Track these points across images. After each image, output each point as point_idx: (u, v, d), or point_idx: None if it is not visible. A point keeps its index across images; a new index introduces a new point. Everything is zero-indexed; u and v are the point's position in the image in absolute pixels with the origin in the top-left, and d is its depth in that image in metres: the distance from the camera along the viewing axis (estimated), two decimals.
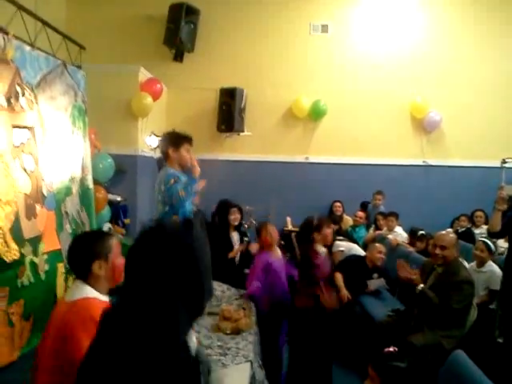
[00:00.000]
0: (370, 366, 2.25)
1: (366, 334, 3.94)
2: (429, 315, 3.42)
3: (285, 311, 3.69)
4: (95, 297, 2.02)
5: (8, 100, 2.91)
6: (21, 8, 3.07)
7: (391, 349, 2.28)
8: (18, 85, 3.03)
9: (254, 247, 4.43)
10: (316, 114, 7.49)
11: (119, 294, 1.25)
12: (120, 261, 2.11)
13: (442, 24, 7.56)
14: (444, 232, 3.66)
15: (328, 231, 3.93)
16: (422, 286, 3.47)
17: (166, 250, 1.18)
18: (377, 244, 5.00)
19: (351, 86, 7.53)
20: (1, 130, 2.81)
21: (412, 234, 5.98)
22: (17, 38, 2.97)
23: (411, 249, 5.57)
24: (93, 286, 2.05)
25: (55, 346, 1.92)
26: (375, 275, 4.67)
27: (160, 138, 5.30)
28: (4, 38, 2.80)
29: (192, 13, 7.20)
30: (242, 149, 7.53)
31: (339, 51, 7.61)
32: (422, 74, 7.49)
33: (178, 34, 6.99)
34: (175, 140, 3.63)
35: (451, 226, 6.27)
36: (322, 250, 3.80)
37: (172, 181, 3.38)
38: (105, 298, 2.08)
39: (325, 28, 7.63)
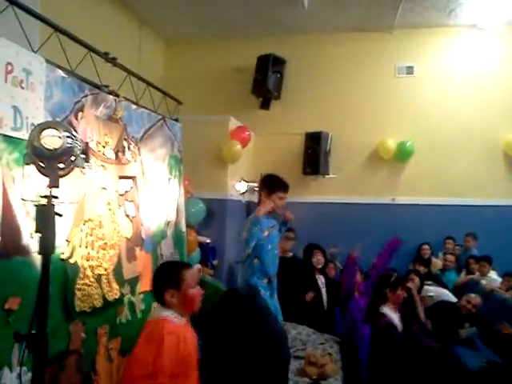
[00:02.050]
0: None
1: None
2: None
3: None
4: (166, 317, 2.20)
5: (116, 154, 3.25)
6: (129, 73, 3.48)
7: None
8: (125, 140, 3.38)
9: None
10: (402, 154, 7.42)
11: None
12: (193, 291, 2.27)
13: None
14: None
15: (402, 294, 3.89)
16: None
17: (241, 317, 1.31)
18: (472, 295, 4.77)
19: (438, 125, 7.37)
20: (110, 180, 3.14)
21: (507, 277, 5.64)
22: (125, 98, 3.34)
23: (507, 295, 5.25)
24: (170, 310, 2.26)
25: None
26: (467, 324, 4.46)
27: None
28: (115, 100, 3.18)
29: (278, 63, 7.56)
30: (328, 191, 7.58)
31: (425, 91, 7.53)
32: None
33: (266, 83, 7.35)
34: (270, 185, 3.80)
35: None
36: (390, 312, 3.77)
37: (255, 229, 3.58)
38: (181, 320, 2.24)
39: (410, 69, 7.63)
